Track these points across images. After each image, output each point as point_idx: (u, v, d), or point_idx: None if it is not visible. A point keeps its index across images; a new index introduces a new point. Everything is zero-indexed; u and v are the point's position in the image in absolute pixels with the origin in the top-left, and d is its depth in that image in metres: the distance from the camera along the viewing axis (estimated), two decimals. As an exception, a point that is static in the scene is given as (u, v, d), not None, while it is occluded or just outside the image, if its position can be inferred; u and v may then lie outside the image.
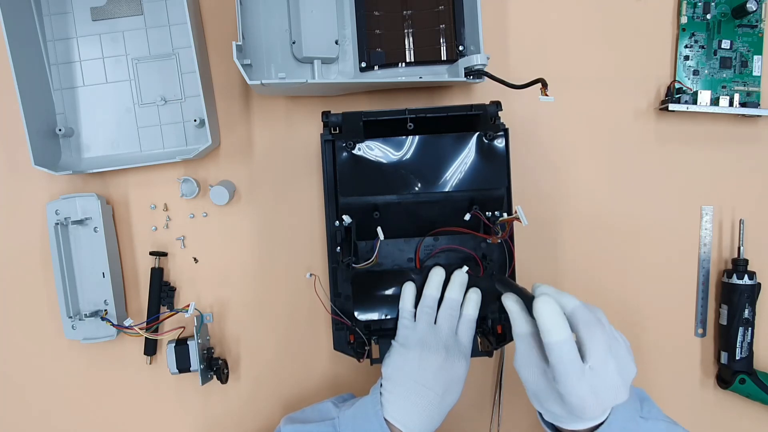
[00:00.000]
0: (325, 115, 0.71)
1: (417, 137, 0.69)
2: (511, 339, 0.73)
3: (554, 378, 0.55)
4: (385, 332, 0.75)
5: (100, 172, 0.81)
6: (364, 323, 0.74)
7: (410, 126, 0.69)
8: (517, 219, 0.65)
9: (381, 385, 0.68)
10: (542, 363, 0.57)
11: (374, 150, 0.69)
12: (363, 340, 0.74)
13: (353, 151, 0.69)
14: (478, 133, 0.69)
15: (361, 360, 0.73)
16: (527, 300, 0.58)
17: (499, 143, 0.69)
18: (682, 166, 0.85)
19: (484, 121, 0.71)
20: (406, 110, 0.70)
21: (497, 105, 0.71)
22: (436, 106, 0.71)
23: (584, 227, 0.84)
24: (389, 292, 0.74)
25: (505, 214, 0.70)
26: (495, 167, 0.69)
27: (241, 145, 0.83)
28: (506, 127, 0.70)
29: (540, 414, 0.63)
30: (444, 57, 0.79)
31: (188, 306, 0.76)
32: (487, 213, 0.70)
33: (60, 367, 0.84)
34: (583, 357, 0.54)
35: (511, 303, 0.61)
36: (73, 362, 0.84)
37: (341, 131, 0.72)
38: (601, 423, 0.58)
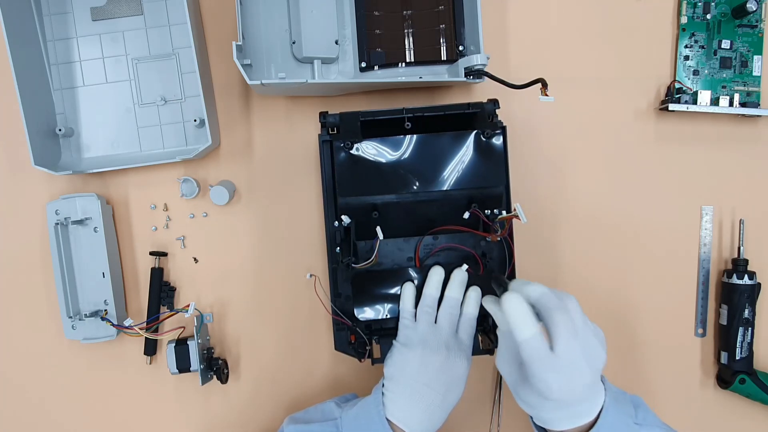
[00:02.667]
0: (323, 115, 0.71)
1: (415, 136, 0.69)
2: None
3: (525, 367, 0.56)
4: (386, 332, 0.75)
5: (100, 172, 0.81)
6: (364, 323, 0.74)
7: (408, 125, 0.69)
8: (516, 217, 0.65)
9: (383, 385, 0.68)
10: (519, 356, 0.59)
11: (372, 150, 0.69)
12: (364, 340, 0.74)
13: (351, 152, 0.69)
14: (475, 132, 0.69)
15: (363, 360, 0.73)
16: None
17: (497, 141, 0.69)
18: (682, 166, 0.85)
19: (482, 119, 0.71)
20: (403, 110, 0.70)
21: (494, 103, 0.71)
22: (433, 105, 0.71)
23: (584, 227, 0.84)
24: (389, 291, 0.74)
25: (504, 212, 0.70)
26: (493, 165, 0.69)
27: (241, 145, 0.83)
28: (504, 124, 0.70)
29: (531, 418, 0.64)
30: (444, 57, 0.79)
31: (188, 306, 0.76)
32: (486, 211, 0.70)
33: (60, 367, 0.84)
34: (549, 342, 0.56)
35: (489, 305, 0.64)
36: (73, 362, 0.84)
37: (339, 131, 0.72)
38: (591, 426, 0.58)
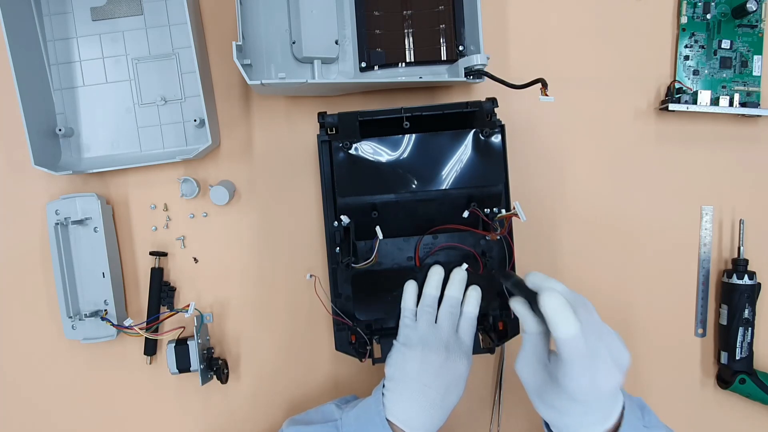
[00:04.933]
0: (321, 115, 0.71)
1: (413, 136, 0.69)
2: (513, 335, 0.74)
3: (559, 370, 0.55)
4: (387, 332, 0.75)
5: (100, 172, 0.81)
6: (365, 323, 0.74)
7: (406, 125, 0.69)
8: (516, 215, 0.65)
9: (383, 386, 0.68)
10: (545, 358, 0.59)
11: (371, 150, 0.69)
12: (364, 340, 0.74)
13: (350, 152, 0.69)
14: (474, 130, 0.69)
15: (363, 360, 0.73)
16: (530, 296, 0.58)
17: (496, 139, 0.69)
18: (682, 166, 0.85)
19: (481, 118, 0.71)
20: (401, 109, 0.70)
21: (493, 101, 0.71)
22: (431, 104, 0.71)
23: (584, 227, 0.84)
24: (389, 291, 0.74)
25: (503, 211, 0.70)
26: (492, 164, 0.69)
27: (241, 145, 0.83)
28: (502, 123, 0.70)
29: (546, 425, 0.63)
30: (444, 57, 0.79)
31: (188, 306, 0.76)
32: (485, 210, 0.70)
33: (60, 367, 0.84)
34: None
35: (518, 306, 0.61)
36: (73, 362, 0.84)
37: (337, 132, 0.72)
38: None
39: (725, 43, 0.83)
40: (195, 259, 0.83)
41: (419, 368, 0.66)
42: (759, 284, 0.83)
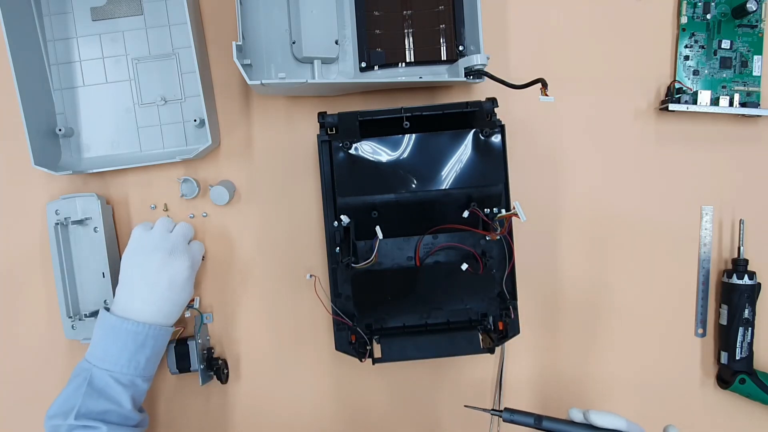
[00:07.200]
0: (321, 115, 0.71)
1: (413, 135, 0.69)
2: (513, 335, 0.74)
3: None
4: (387, 331, 0.75)
5: (100, 172, 0.81)
6: (365, 323, 0.74)
7: (406, 125, 0.69)
8: (516, 215, 0.65)
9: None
10: None
11: (371, 149, 0.69)
12: (364, 340, 0.74)
13: (350, 151, 0.69)
14: (474, 130, 0.69)
15: (363, 360, 0.73)
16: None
17: (496, 139, 0.69)
18: (682, 166, 0.85)
19: (480, 117, 0.71)
20: (401, 109, 0.70)
21: (493, 101, 0.71)
22: (431, 104, 0.71)
23: (584, 227, 0.84)
24: (390, 290, 0.74)
25: (503, 211, 0.70)
26: (492, 163, 0.69)
27: (241, 145, 0.83)
28: (502, 123, 0.70)
29: None
30: (444, 57, 0.79)
31: (189, 304, 0.76)
32: (485, 210, 0.70)
33: (60, 367, 0.83)
34: None
35: None
36: (73, 362, 0.83)
37: (337, 132, 0.72)
38: None
39: (725, 43, 0.82)
40: (195, 259, 0.83)
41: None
42: (759, 284, 0.83)
